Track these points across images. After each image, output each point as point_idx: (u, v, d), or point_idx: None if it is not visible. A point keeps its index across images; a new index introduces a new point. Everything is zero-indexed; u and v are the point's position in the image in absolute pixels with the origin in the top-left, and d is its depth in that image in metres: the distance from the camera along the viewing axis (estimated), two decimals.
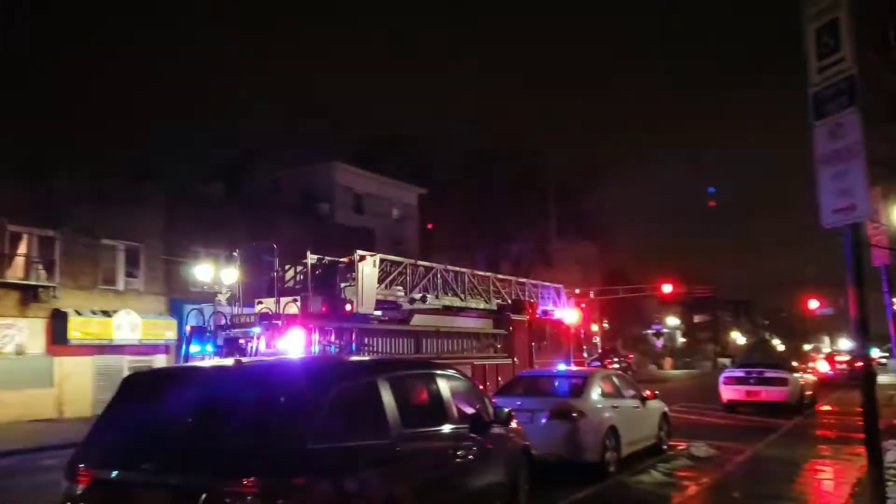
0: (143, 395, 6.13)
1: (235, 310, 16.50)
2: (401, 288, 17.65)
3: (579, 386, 12.71)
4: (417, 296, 17.90)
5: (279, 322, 14.29)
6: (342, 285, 16.76)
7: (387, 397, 6.28)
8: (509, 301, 20.98)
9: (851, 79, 5.64)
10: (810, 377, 26.67)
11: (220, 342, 15.22)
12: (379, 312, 16.48)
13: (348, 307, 15.96)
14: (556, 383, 13.93)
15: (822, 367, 40.87)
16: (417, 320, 17.05)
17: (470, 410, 8.08)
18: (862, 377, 6.21)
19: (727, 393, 23.28)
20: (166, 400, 5.90)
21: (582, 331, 25.64)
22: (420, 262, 19.11)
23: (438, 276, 18.99)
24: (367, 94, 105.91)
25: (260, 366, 6.79)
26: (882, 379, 41.05)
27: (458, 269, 20.27)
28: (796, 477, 12.06)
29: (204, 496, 4.98)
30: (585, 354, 24.84)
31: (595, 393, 12.50)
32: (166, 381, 6.53)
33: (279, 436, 5.32)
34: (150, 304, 28.67)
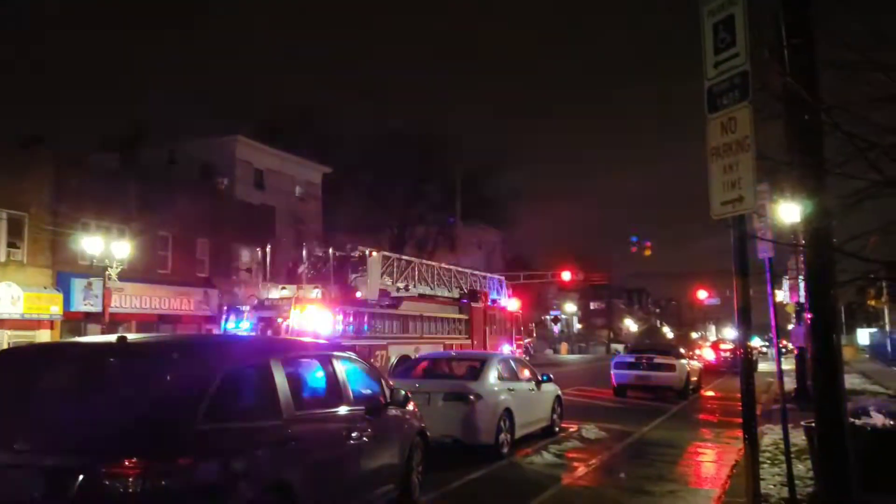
0: (19, 371, 5.79)
1: (267, 292, 19.23)
2: (389, 278, 20.42)
3: (477, 369, 12.84)
4: (401, 285, 20.81)
5: (311, 305, 17.16)
6: (352, 276, 19.69)
7: (279, 378, 6.15)
8: (465, 290, 24.09)
9: (745, 74, 5.84)
10: (696, 364, 27.90)
11: (254, 320, 17.83)
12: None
13: (358, 294, 18.92)
14: (455, 366, 14.06)
15: (708, 354, 42.80)
16: (404, 306, 20.23)
17: (367, 393, 8.04)
18: (742, 364, 6.49)
19: (618, 377, 24.06)
20: (45, 376, 5.60)
21: (520, 316, 28.97)
22: (403, 257, 22.37)
23: (415, 268, 22.03)
24: (273, 70, 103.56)
25: (146, 343, 6.50)
26: (762, 367, 43.57)
27: (429, 262, 23.55)
28: (679, 459, 12.58)
29: (81, 478, 4.72)
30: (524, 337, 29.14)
31: (492, 376, 12.65)
32: (47, 356, 6.20)
33: (164, 415, 5.12)
34: (34, 277, 27.18)
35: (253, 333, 17.39)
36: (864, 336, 63.09)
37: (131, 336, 6.38)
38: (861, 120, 5.68)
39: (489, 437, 11.77)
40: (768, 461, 10.93)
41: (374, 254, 19.95)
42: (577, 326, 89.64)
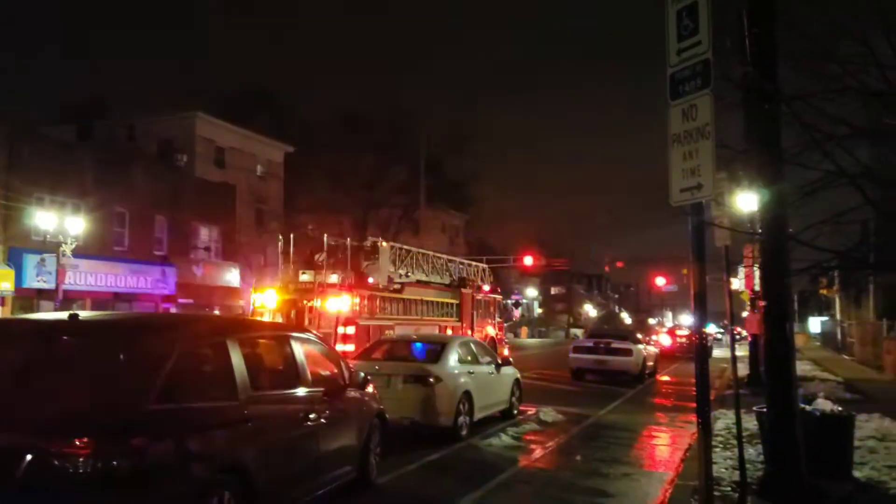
0: None
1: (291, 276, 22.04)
2: (393, 265, 22.24)
3: (437, 352, 12.86)
4: (402, 271, 22.77)
5: (332, 290, 19.37)
6: (365, 263, 21.63)
7: (236, 358, 6.07)
8: (455, 277, 26.19)
9: (707, 62, 5.88)
10: (653, 349, 28.36)
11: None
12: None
13: (371, 280, 20.86)
14: (415, 349, 14.06)
15: (665, 340, 43.52)
16: (406, 291, 22.17)
17: (325, 374, 8.01)
18: (696, 350, 6.59)
19: (577, 361, 24.33)
20: None
21: (502, 301, 31.27)
22: (403, 246, 24.15)
23: (414, 256, 23.90)
24: (237, 46, 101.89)
25: (99, 321, 6.37)
26: (717, 353, 44.35)
27: (425, 251, 25.27)
28: (634, 442, 12.79)
29: (29, 457, 4.62)
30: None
31: (452, 359, 12.68)
32: None
33: (116, 394, 5.03)
34: None
35: (276, 314, 19.77)
36: (815, 324, 64.61)
37: (84, 313, 6.24)
38: (817, 111, 5.77)
39: (448, 420, 11.82)
40: (721, 445, 11.15)
41: (384, 244, 22.42)
42: (538, 311, 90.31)
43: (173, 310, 32.09)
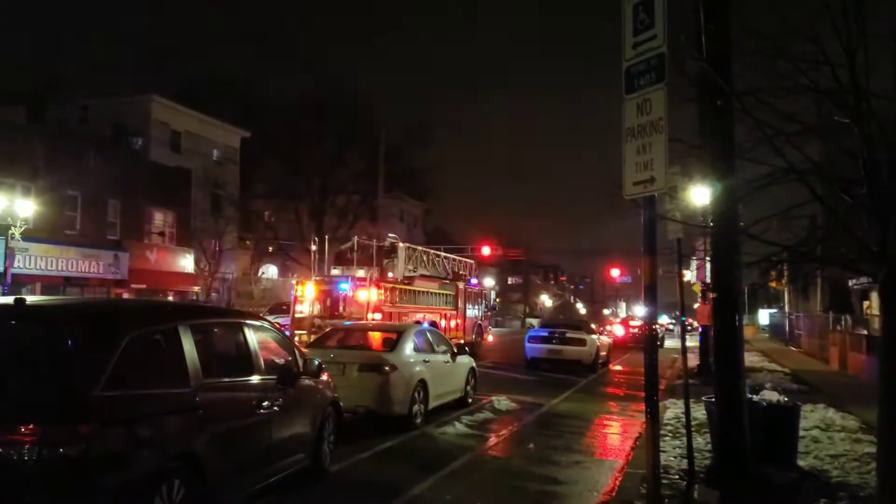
0: None
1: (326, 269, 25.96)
2: (406, 262, 26.02)
3: (393, 340, 12.83)
4: (411, 267, 26.37)
5: (361, 282, 23.03)
6: (385, 261, 25.48)
7: (188, 344, 5.99)
8: (451, 272, 29.97)
9: (661, 56, 5.93)
10: (606, 339, 28.71)
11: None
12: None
13: (390, 275, 24.84)
14: (371, 337, 14.01)
15: (618, 330, 44.03)
16: (416, 284, 25.84)
17: (279, 362, 7.94)
18: (646, 340, 6.68)
19: (531, 351, 24.52)
20: None
21: (488, 292, 36.06)
22: (412, 245, 28.09)
23: (420, 254, 27.74)
24: (196, 30, 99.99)
25: (47, 305, 6.22)
26: (669, 343, 45.13)
27: (425, 248, 29.29)
28: (586, 431, 12.95)
29: None
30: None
31: (408, 348, 12.67)
32: None
33: (64, 380, 4.93)
34: None
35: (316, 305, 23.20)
36: (764, 316, 66.04)
37: (31, 298, 6.09)
38: (768, 107, 5.87)
39: (403, 408, 11.82)
40: (670, 434, 11.35)
41: (401, 244, 26.65)
42: (495, 300, 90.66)
43: (126, 295, 31.60)
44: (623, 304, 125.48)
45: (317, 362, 8.43)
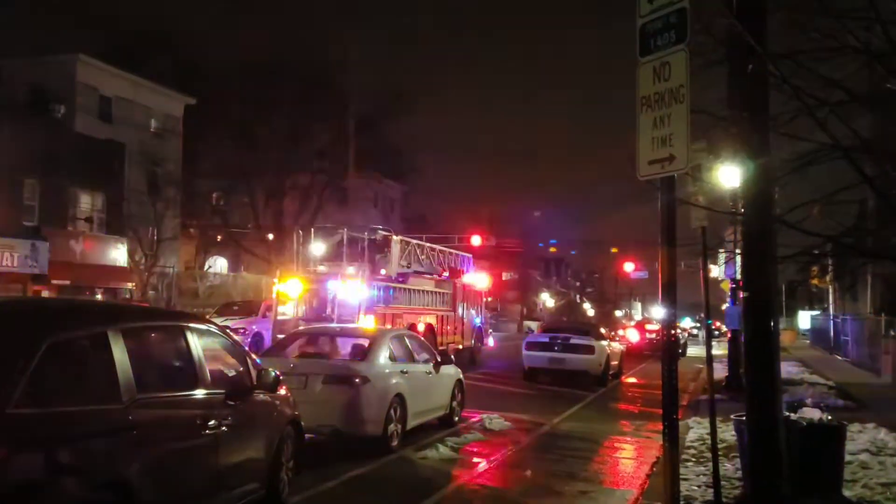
0: None
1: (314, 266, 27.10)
2: (399, 257, 27.20)
3: (364, 347, 12.85)
4: (404, 263, 27.47)
5: (352, 280, 23.99)
6: (377, 256, 26.81)
7: (119, 352, 5.96)
8: (447, 268, 30.93)
9: (682, 12, 5.91)
10: (618, 346, 28.85)
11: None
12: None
13: (383, 272, 25.95)
14: (338, 343, 14.03)
15: (632, 335, 44.21)
16: (410, 281, 26.98)
17: (229, 373, 7.92)
18: (664, 347, 6.70)
19: (530, 360, 24.62)
20: None
21: (486, 291, 36.98)
22: (405, 238, 28.87)
23: (413, 248, 28.76)
24: None
25: None
26: (692, 351, 45.42)
27: (420, 242, 30.11)
28: (594, 455, 13.01)
29: None
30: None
31: (382, 356, 12.68)
32: None
33: None
34: None
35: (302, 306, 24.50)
36: (805, 319, 66.56)
37: None
38: (810, 73, 5.88)
39: (376, 428, 11.83)
40: (693, 459, 11.44)
41: (396, 237, 27.53)
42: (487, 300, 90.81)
43: (45, 293, 31.44)
44: (638, 305, 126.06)
45: (273, 374, 8.41)
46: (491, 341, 36.95)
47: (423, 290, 27.92)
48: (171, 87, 44.93)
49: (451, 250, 34.02)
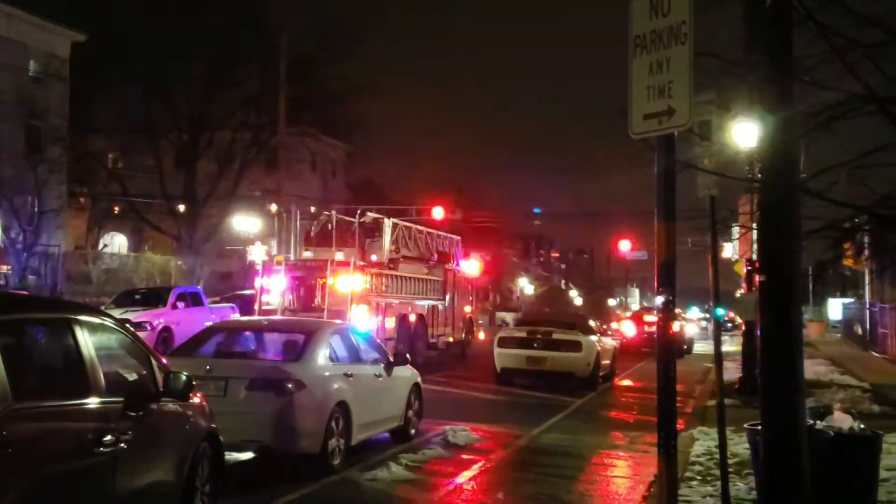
0: None
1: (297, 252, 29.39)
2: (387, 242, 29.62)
3: (299, 345, 12.82)
4: (392, 247, 29.54)
5: (343, 267, 26.47)
6: (367, 241, 29.66)
7: None
8: (434, 252, 33.22)
9: None
10: (610, 342, 29.05)
11: (287, 279, 26.98)
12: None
13: (374, 257, 28.42)
14: (267, 340, 13.98)
15: (628, 329, 44.49)
16: (401, 268, 29.51)
17: (129, 378, 7.87)
18: (658, 342, 6.76)
19: (504, 359, 24.66)
20: None
21: (478, 278, 40.86)
22: (397, 221, 31.53)
23: (401, 231, 31.03)
24: None
25: None
26: (700, 347, 45.82)
27: (407, 224, 32.75)
28: (580, 474, 13.13)
29: None
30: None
31: (321, 355, 12.67)
32: None
33: None
34: None
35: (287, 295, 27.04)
36: (836, 308, 67.35)
37: None
38: (840, 7, 5.94)
39: (314, 444, 11.83)
40: (699, 477, 11.60)
41: (387, 220, 30.04)
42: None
43: None
44: (636, 292, 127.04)
45: (184, 378, 8.37)
46: (482, 334, 40.27)
47: (413, 278, 30.62)
48: (54, 20, 44.19)
49: (440, 233, 36.55)
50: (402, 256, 30.13)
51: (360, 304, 26.00)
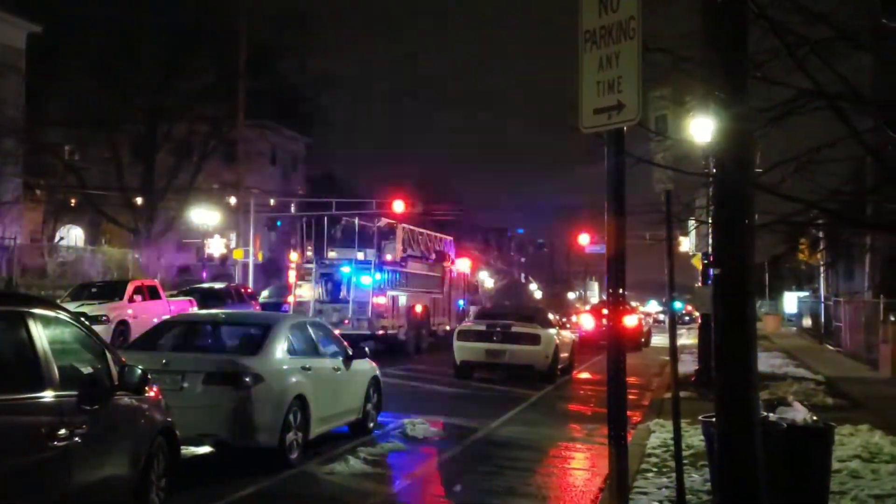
0: None
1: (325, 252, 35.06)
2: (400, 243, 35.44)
3: (257, 338, 12.78)
4: (402, 247, 35.09)
5: (366, 265, 32.53)
6: (383, 243, 35.16)
7: None
8: (432, 251, 38.78)
9: None
10: (569, 335, 29.16)
11: (317, 275, 32.86)
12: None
13: (388, 257, 34.15)
14: (224, 333, 13.93)
15: (586, 321, 44.66)
16: (409, 266, 35.29)
17: (83, 371, 7.83)
18: (608, 334, 6.82)
19: (462, 352, 24.72)
20: None
21: (470, 274, 47.04)
22: (407, 226, 37.20)
23: (407, 233, 36.20)
24: None
25: None
26: (658, 340, 46.23)
27: (411, 227, 37.80)
28: (538, 466, 13.23)
29: None
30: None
31: (279, 349, 12.63)
32: None
33: None
34: None
35: (319, 287, 32.80)
36: (791, 301, 68.07)
37: None
38: (789, 3, 5.99)
39: (271, 438, 11.80)
40: (655, 469, 11.70)
41: (400, 225, 36.19)
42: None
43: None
44: (595, 286, 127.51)
45: (139, 372, 8.34)
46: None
47: (419, 274, 36.52)
48: (10, 11, 43.69)
49: (437, 234, 42.27)
50: (409, 255, 35.66)
51: (379, 297, 31.50)
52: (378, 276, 31.96)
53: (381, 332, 31.63)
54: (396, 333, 32.83)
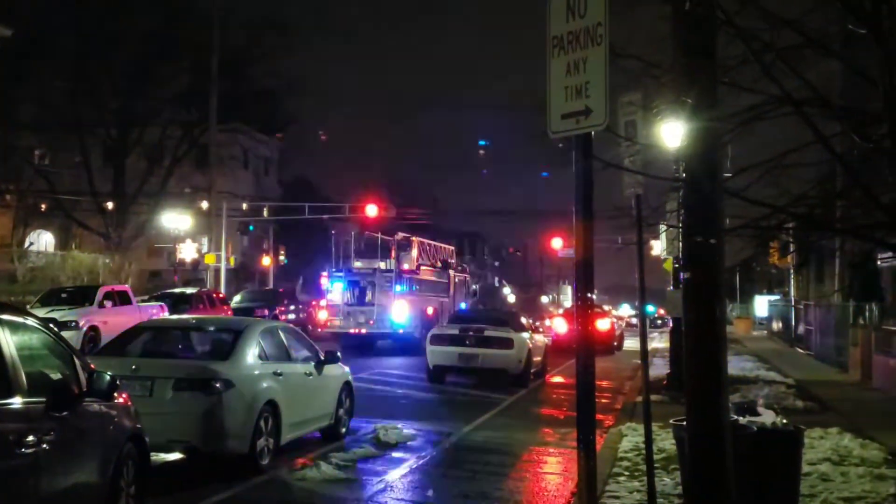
0: None
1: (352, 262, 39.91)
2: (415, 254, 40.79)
3: (228, 343, 12.73)
4: (415, 256, 40.41)
5: (388, 274, 37.62)
6: (401, 254, 39.07)
7: None
8: (438, 260, 43.54)
9: None
10: (542, 339, 29.23)
11: (346, 282, 37.84)
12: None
13: (406, 266, 38.69)
14: (194, 339, 13.89)
15: (559, 325, 44.70)
16: (422, 273, 40.19)
17: (51, 377, 7.77)
18: (578, 337, 6.83)
19: (435, 356, 24.69)
20: None
21: (470, 280, 51.97)
22: (421, 239, 42.45)
23: (418, 244, 41.31)
24: None
25: None
26: (631, 343, 46.30)
27: (421, 239, 42.57)
28: (510, 471, 13.23)
29: None
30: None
31: (250, 354, 12.59)
32: None
33: None
34: None
35: (347, 293, 37.43)
36: (762, 305, 68.45)
37: None
38: (756, 8, 6.03)
39: (242, 444, 11.76)
40: (626, 473, 11.74)
41: (415, 238, 41.43)
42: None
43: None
44: (568, 290, 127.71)
45: (108, 378, 8.30)
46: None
47: (430, 280, 41.36)
48: None
49: (442, 244, 46.89)
50: (420, 264, 40.45)
51: (400, 301, 36.10)
52: (398, 283, 37.09)
53: (400, 331, 36.08)
54: (413, 332, 35.99)
